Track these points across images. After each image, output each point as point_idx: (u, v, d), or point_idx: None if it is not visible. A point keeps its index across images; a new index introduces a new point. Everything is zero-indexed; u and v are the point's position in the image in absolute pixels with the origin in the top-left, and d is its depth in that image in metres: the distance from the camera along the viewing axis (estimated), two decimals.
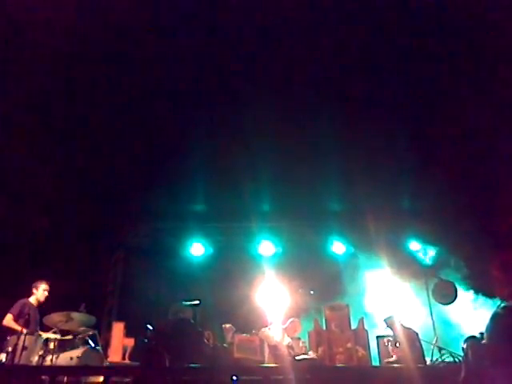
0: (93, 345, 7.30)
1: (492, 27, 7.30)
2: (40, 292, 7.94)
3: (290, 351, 7.62)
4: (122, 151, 9.22)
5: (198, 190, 10.35)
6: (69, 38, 7.22)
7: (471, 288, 9.61)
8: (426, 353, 7.34)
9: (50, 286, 8.05)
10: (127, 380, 6.33)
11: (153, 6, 7.17)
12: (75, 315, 7.14)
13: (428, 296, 9.16)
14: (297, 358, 7.41)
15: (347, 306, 8.34)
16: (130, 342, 8.39)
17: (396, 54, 7.83)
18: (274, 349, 7.53)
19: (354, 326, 8.10)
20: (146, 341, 7.81)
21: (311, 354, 7.70)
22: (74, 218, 10.02)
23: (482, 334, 4.49)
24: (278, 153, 9.02)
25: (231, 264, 10.42)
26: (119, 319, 9.44)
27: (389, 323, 7.68)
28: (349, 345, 7.71)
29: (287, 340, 7.93)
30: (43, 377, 6.10)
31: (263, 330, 8.06)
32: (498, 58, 7.68)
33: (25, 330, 6.93)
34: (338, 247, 11.46)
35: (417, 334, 7.53)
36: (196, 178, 9.80)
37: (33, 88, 7.79)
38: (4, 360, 6.61)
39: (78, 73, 7.77)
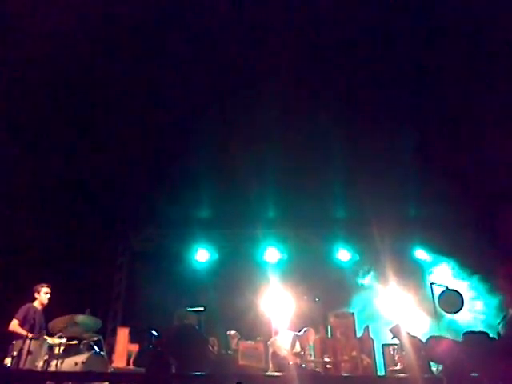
0: (97, 350, 7.29)
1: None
2: (42, 296, 7.95)
3: (298, 359, 7.59)
4: (128, 156, 9.24)
5: (203, 196, 10.37)
6: (71, 39, 7.26)
7: (477, 296, 9.56)
8: (432, 362, 7.29)
9: (50, 289, 8.05)
10: None
11: (157, 7, 7.20)
12: (80, 319, 7.14)
13: (434, 305, 9.10)
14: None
15: (352, 313, 8.30)
16: (135, 347, 8.37)
17: (401, 62, 7.83)
18: (281, 359, 7.50)
19: (359, 334, 8.06)
20: (151, 346, 7.80)
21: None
22: (79, 223, 10.05)
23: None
24: (285, 160, 9.03)
25: (236, 270, 10.41)
26: (124, 324, 9.44)
27: (394, 332, 7.62)
28: (354, 353, 7.67)
29: (298, 348, 7.90)
30: (48, 382, 6.09)
31: (273, 339, 8.03)
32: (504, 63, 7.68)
33: (30, 335, 6.93)
34: (343, 254, 11.45)
35: (423, 342, 7.47)
36: (202, 183, 9.82)
37: (35, 88, 7.82)
38: (9, 364, 6.62)
39: (82, 75, 7.79)
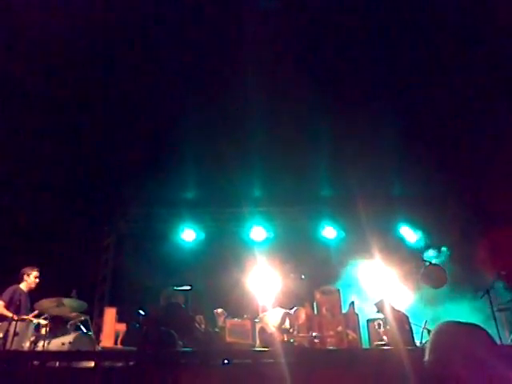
0: (85, 330, 7.31)
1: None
2: (31, 279, 7.92)
3: (285, 336, 7.68)
4: (114, 137, 9.17)
5: (189, 176, 10.34)
6: (65, 32, 7.16)
7: (459, 272, 9.70)
8: (415, 335, 7.43)
9: (40, 273, 8.03)
10: (119, 365, 6.34)
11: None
12: (66, 301, 7.10)
13: (418, 280, 9.24)
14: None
15: (338, 290, 8.40)
16: (122, 327, 8.39)
17: (384, 41, 7.81)
18: (268, 334, 7.58)
19: (344, 309, 8.17)
20: (138, 326, 7.84)
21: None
22: (65, 204, 9.98)
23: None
24: (269, 138, 9.01)
25: (223, 249, 10.45)
26: (111, 304, 9.45)
27: (379, 306, 7.75)
28: (339, 328, 7.77)
29: (287, 325, 7.98)
30: (35, 362, 6.10)
31: (262, 315, 8.11)
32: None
33: (16, 317, 6.93)
34: (329, 232, 11.55)
35: (407, 316, 7.61)
36: (187, 163, 9.78)
37: (29, 71, 7.71)
38: None
39: (73, 61, 7.71)
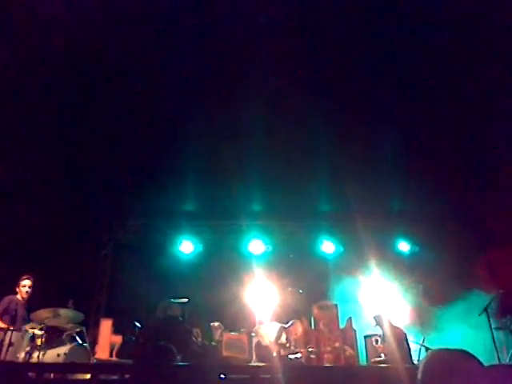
0: (80, 341, 7.25)
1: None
2: (21, 288, 7.86)
3: (282, 350, 7.63)
4: (113, 148, 9.18)
5: (188, 188, 10.34)
6: (66, 31, 7.20)
7: (458, 289, 9.67)
8: (413, 353, 7.38)
9: (33, 282, 7.95)
10: (115, 378, 6.28)
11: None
12: (63, 311, 7.06)
13: (416, 296, 9.21)
14: (290, 356, 7.46)
15: (336, 305, 8.35)
16: (118, 339, 8.32)
17: (385, 55, 7.87)
18: (264, 348, 7.53)
19: (342, 325, 8.12)
20: (134, 338, 7.78)
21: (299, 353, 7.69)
22: (63, 214, 9.96)
23: None
24: (270, 152, 9.03)
25: (220, 262, 10.41)
26: (107, 316, 9.37)
27: (377, 320, 7.72)
28: (337, 344, 7.71)
29: (284, 340, 7.93)
30: (30, 373, 6.04)
31: (257, 327, 8.07)
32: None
33: (11, 327, 6.87)
34: (327, 247, 11.52)
35: (405, 333, 7.56)
36: (187, 175, 9.78)
37: (25, 78, 7.73)
38: None
39: (73, 66, 7.73)
